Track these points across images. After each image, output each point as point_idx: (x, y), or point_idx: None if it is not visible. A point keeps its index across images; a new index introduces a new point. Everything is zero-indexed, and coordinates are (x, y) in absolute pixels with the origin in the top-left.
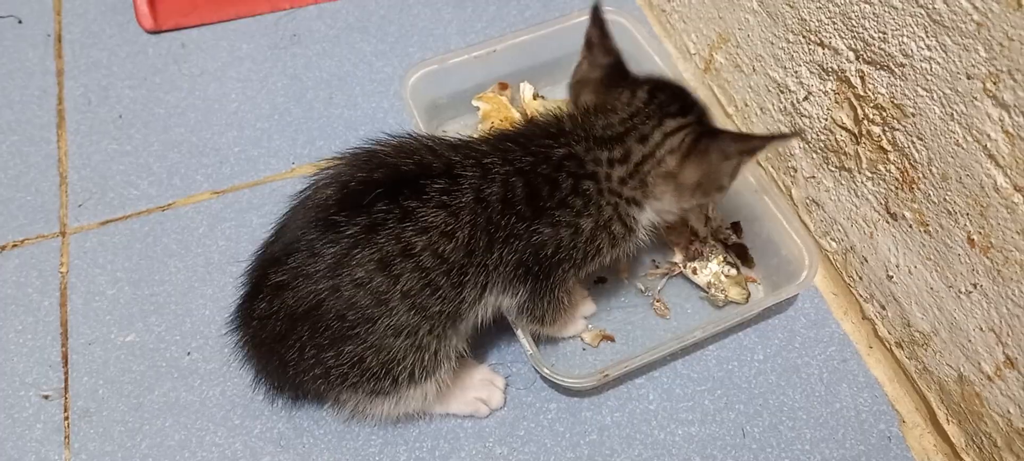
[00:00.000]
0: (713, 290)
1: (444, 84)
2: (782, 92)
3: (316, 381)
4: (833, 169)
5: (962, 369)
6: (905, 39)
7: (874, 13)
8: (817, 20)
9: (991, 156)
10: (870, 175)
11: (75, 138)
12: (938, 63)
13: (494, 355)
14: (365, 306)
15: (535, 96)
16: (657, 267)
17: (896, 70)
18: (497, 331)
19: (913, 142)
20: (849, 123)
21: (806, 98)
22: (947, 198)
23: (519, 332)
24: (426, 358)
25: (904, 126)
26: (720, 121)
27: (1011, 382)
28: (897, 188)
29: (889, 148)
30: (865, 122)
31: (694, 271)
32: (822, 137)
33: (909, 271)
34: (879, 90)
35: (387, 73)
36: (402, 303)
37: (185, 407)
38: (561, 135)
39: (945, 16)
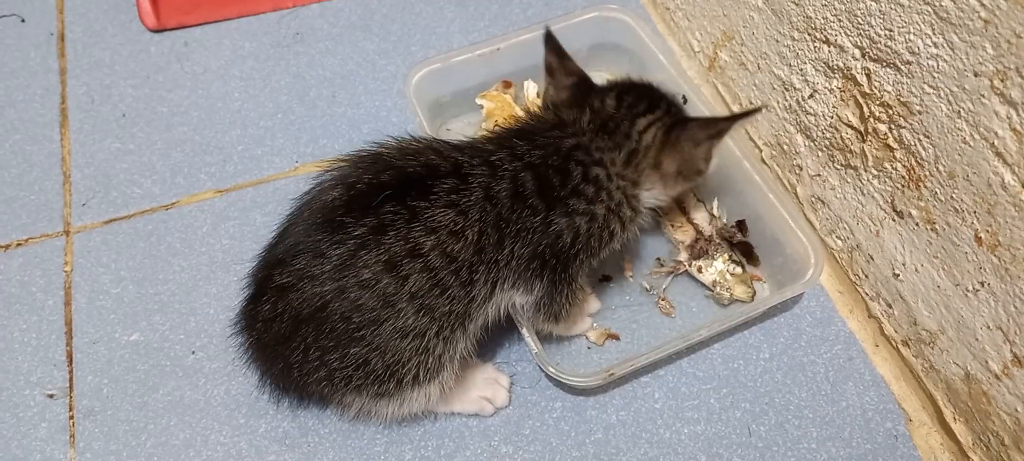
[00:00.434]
0: (718, 288)
1: (447, 82)
2: (787, 90)
3: (320, 384)
4: (839, 167)
5: (969, 367)
6: (912, 36)
7: (880, 10)
8: (823, 17)
9: (999, 154)
10: (876, 173)
11: (78, 137)
12: (945, 60)
13: (499, 354)
14: (371, 308)
15: (539, 94)
16: (662, 265)
17: (903, 67)
18: (502, 330)
19: (920, 140)
20: (855, 121)
21: (812, 96)
22: (954, 196)
23: (524, 331)
24: (431, 361)
25: (911, 124)
26: None
27: (1019, 380)
28: (903, 186)
29: (895, 146)
30: (871, 120)
31: (699, 269)
32: (828, 135)
33: (916, 269)
34: (885, 88)
35: (390, 71)
36: (410, 304)
37: (190, 406)
38: (567, 125)
39: (952, 13)
